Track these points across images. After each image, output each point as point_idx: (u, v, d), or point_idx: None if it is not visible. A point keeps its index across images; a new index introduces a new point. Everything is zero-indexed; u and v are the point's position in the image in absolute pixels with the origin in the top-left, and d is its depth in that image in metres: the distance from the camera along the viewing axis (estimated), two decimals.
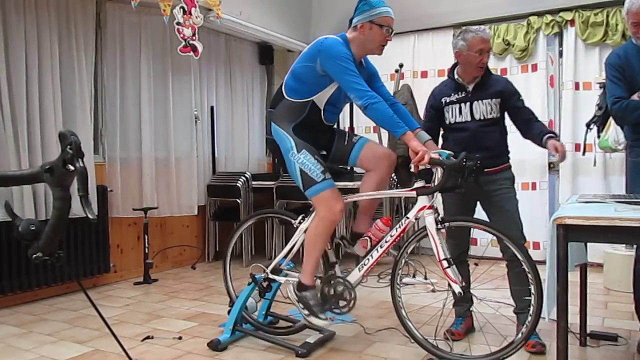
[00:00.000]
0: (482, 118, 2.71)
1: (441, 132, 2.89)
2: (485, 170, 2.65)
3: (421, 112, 4.52)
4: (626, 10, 2.47)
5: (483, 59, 2.67)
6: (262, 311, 2.95)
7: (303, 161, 2.47)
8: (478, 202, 2.81)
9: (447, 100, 2.77)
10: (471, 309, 2.84)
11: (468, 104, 2.73)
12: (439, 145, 2.87)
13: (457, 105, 2.75)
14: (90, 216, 1.38)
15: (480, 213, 2.80)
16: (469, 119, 2.73)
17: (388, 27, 2.47)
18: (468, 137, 2.70)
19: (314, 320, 2.52)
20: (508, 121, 2.82)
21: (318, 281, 2.61)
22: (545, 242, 2.71)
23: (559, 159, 2.54)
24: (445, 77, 2.89)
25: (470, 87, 2.73)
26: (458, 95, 2.75)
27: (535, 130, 2.69)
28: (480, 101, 2.71)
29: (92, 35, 4.00)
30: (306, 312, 2.53)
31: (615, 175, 4.47)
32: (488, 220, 2.71)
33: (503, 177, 2.73)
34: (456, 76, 2.77)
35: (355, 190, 2.64)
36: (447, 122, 2.79)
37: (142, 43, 4.36)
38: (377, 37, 2.47)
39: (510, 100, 2.73)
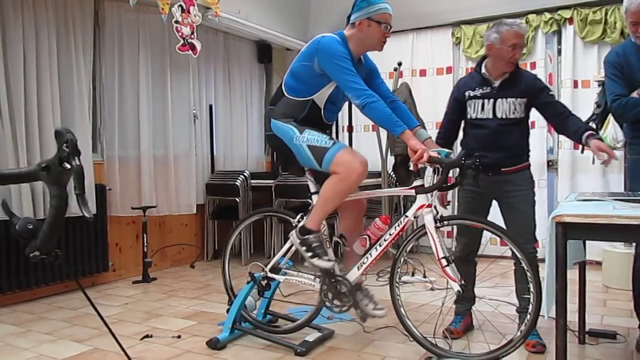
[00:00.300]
0: (504, 117, 2.62)
1: (462, 126, 2.82)
2: (503, 169, 2.62)
3: (420, 110, 4.57)
4: (625, 9, 2.46)
5: (515, 55, 2.55)
6: (261, 310, 2.95)
7: (308, 137, 2.43)
8: (494, 202, 2.76)
9: (471, 94, 2.68)
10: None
11: (492, 100, 2.63)
12: (459, 140, 2.83)
13: (480, 101, 2.65)
14: (86, 214, 1.38)
15: (494, 213, 2.76)
16: (490, 116, 2.64)
17: (386, 24, 2.46)
18: (487, 134, 2.63)
19: (317, 261, 2.45)
20: (532, 118, 2.67)
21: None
22: (544, 240, 2.70)
23: (608, 159, 2.34)
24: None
25: (496, 83, 2.63)
26: (482, 90, 2.65)
27: (571, 127, 2.55)
28: (504, 99, 2.61)
29: (91, 33, 4.00)
30: (309, 254, 2.46)
31: (614, 173, 4.47)
32: (503, 220, 2.68)
33: (521, 178, 2.66)
34: (483, 70, 2.67)
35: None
36: (469, 116, 2.71)
37: (140, 41, 4.35)
38: (376, 34, 2.46)
39: (539, 97, 2.62)
